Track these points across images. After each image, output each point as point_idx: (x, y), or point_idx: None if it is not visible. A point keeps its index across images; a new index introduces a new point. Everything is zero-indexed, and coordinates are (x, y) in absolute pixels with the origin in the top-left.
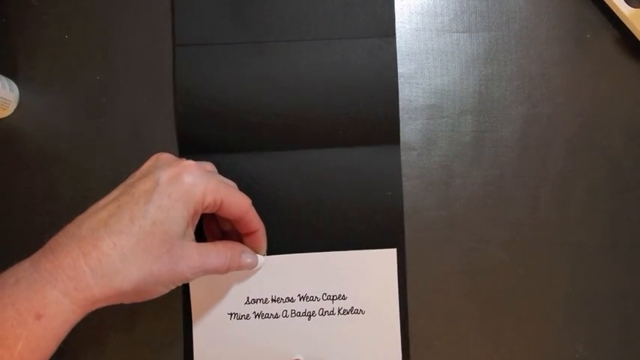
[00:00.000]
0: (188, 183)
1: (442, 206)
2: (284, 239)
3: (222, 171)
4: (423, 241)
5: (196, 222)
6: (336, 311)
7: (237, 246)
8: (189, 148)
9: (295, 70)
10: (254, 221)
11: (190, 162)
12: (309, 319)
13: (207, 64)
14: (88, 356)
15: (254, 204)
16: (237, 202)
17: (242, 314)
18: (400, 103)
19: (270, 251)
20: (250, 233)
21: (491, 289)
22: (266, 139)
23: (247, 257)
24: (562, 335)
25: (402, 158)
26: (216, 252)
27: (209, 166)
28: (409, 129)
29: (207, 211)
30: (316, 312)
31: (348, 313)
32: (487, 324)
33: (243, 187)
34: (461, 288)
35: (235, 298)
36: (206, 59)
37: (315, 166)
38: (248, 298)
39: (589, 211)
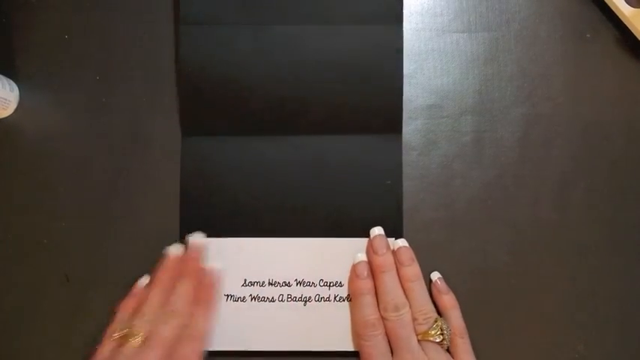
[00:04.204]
0: None
1: (442, 206)
2: (282, 223)
3: (223, 153)
4: (423, 242)
5: None
6: (332, 298)
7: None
8: (192, 129)
9: (299, 54)
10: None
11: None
12: (304, 305)
13: (210, 44)
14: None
15: (255, 187)
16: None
17: (238, 296)
18: None
19: (269, 234)
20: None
21: (492, 289)
22: (267, 123)
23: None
24: (562, 335)
25: (402, 158)
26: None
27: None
28: (409, 129)
29: None
30: (312, 298)
31: (344, 300)
32: (487, 324)
33: (244, 170)
34: (461, 288)
35: (232, 279)
36: (210, 39)
37: (315, 152)
38: (245, 280)
39: (589, 211)
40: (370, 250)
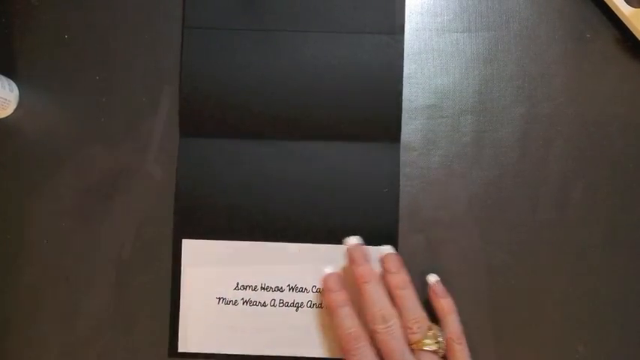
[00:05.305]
0: None
1: (442, 206)
2: (277, 228)
3: (220, 155)
4: (422, 241)
5: None
6: (324, 304)
7: None
8: (190, 130)
9: (301, 60)
10: None
11: None
12: (297, 310)
13: (214, 47)
14: (85, 356)
15: (251, 191)
16: None
17: (230, 300)
18: None
19: (263, 238)
20: None
21: (492, 289)
22: (267, 128)
23: None
24: (562, 335)
25: (402, 158)
26: None
27: None
28: (409, 129)
29: None
30: (305, 304)
31: None
32: (487, 324)
33: (240, 173)
34: (461, 288)
35: (225, 282)
36: (213, 43)
37: (313, 158)
38: (237, 283)
39: (589, 211)
40: (349, 261)
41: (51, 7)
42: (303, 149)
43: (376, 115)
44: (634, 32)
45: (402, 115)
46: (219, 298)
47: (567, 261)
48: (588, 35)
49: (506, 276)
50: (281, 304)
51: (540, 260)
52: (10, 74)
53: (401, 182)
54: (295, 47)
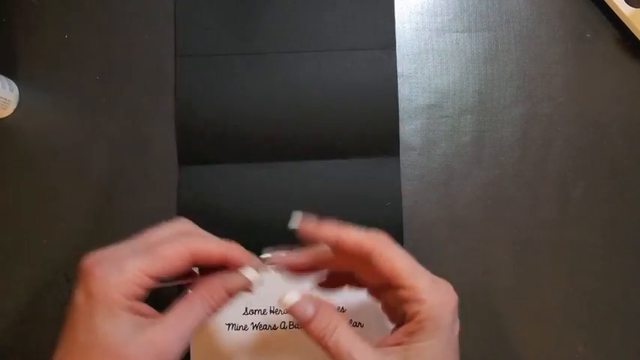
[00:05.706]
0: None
1: (442, 206)
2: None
3: (222, 181)
4: (423, 242)
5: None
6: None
7: (211, 281)
8: (189, 158)
9: (295, 81)
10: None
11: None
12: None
13: (208, 75)
14: None
15: (253, 214)
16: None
17: (240, 325)
18: (400, 103)
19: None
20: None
21: (492, 289)
22: (266, 150)
23: (234, 279)
24: (562, 335)
25: (401, 158)
26: (181, 314)
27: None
28: (409, 129)
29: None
30: None
31: None
32: (487, 324)
33: (242, 197)
34: (461, 288)
35: (234, 308)
36: (207, 70)
37: (314, 177)
38: (246, 308)
39: (589, 211)
40: (299, 322)
41: (51, 7)
42: (303, 169)
43: (374, 130)
44: (634, 32)
45: (402, 115)
46: (229, 324)
47: (567, 261)
48: (588, 35)
49: (506, 276)
50: (291, 327)
51: (540, 260)
52: (10, 74)
53: (401, 182)
54: (289, 68)
